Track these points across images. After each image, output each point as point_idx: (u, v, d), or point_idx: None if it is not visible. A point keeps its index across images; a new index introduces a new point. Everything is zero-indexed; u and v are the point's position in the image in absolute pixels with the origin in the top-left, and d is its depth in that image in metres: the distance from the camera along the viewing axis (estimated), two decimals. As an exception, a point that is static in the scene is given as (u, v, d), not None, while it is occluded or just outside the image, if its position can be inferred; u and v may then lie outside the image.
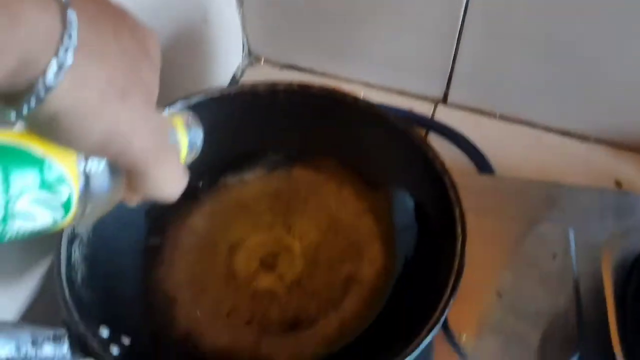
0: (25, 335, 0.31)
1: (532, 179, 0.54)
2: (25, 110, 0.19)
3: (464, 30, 0.59)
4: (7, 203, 0.20)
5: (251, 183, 0.47)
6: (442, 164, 0.41)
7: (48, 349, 0.32)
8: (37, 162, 0.21)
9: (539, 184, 0.52)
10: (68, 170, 0.22)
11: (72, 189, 0.22)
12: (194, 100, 0.45)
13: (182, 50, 0.56)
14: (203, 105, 0.45)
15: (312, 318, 0.40)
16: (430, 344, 0.34)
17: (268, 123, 0.46)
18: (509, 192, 0.52)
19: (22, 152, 0.21)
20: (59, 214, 0.22)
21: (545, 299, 0.44)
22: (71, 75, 0.18)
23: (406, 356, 0.32)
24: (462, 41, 0.60)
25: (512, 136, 0.67)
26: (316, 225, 0.45)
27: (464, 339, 0.42)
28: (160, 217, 0.45)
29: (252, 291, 0.42)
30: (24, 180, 0.21)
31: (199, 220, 0.45)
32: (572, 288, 0.44)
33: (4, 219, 0.20)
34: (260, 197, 0.47)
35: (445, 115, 0.69)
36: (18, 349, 0.30)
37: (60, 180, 0.22)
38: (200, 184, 0.46)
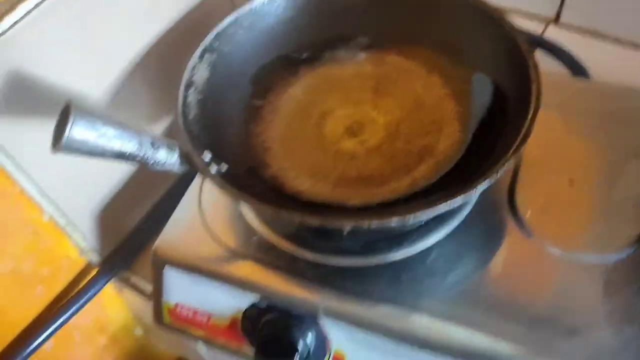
0: (147, 138, 0.38)
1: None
2: None
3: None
4: None
5: (347, 63, 0.52)
6: (527, 48, 0.43)
7: (162, 153, 0.39)
8: None
9: (637, 91, 0.51)
10: None
11: None
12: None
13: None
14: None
15: (386, 178, 0.44)
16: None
17: (366, 7, 0.50)
18: (603, 93, 0.52)
19: None
20: None
21: (619, 190, 0.44)
22: None
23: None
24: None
25: (624, 61, 0.65)
26: (401, 105, 0.49)
27: (528, 214, 0.44)
28: (264, 84, 0.51)
29: (335, 151, 0.47)
30: None
31: (296, 90, 0.51)
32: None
33: None
34: (353, 76, 0.51)
35: (555, 35, 0.69)
36: (140, 145, 0.38)
37: None
38: (303, 56, 0.51)
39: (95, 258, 0.56)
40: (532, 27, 0.69)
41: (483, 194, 0.45)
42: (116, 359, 0.66)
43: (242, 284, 0.45)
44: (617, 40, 0.66)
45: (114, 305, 0.63)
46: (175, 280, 0.47)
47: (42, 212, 0.49)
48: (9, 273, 0.49)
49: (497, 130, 0.42)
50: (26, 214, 0.48)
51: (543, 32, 0.69)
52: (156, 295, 0.49)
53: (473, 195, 0.36)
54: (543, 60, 0.66)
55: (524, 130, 0.38)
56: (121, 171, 0.54)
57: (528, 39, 0.62)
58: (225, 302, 0.46)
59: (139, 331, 0.70)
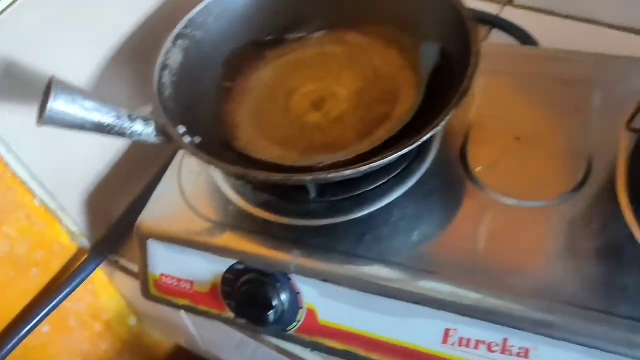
0: (125, 111, 0.42)
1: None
2: None
3: None
4: None
5: (309, 44, 0.56)
6: (468, 14, 0.47)
7: (139, 125, 0.43)
8: None
9: (580, 53, 0.55)
10: None
11: None
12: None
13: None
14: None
15: (348, 143, 0.48)
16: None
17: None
18: (548, 58, 0.56)
19: None
20: None
21: (562, 142, 0.48)
22: None
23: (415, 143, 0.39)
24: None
25: (575, 34, 0.70)
26: (362, 78, 0.53)
27: (479, 170, 0.48)
28: (234, 67, 0.55)
29: (301, 124, 0.51)
30: None
31: (264, 72, 0.55)
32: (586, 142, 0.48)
33: None
34: (316, 56, 0.55)
35: (510, 15, 0.73)
36: (118, 118, 0.42)
37: None
38: (269, 39, 0.55)
39: (85, 243, 0.59)
40: (490, 9, 0.74)
41: (438, 155, 0.50)
42: (111, 345, 0.69)
43: (220, 251, 0.48)
44: (568, 17, 0.71)
45: (106, 292, 0.66)
46: (158, 252, 0.51)
47: (33, 196, 0.52)
48: (6, 256, 0.53)
49: (446, 91, 0.46)
50: (19, 197, 0.51)
51: (499, 13, 0.74)
52: (142, 269, 0.52)
53: (416, 145, 0.40)
54: (499, 38, 0.70)
55: (463, 85, 0.42)
56: (109, 157, 0.58)
57: (479, 15, 0.67)
58: (206, 269, 0.49)
59: (133, 321, 0.73)
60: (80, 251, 0.59)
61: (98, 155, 0.57)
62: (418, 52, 0.51)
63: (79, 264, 0.59)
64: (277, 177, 0.41)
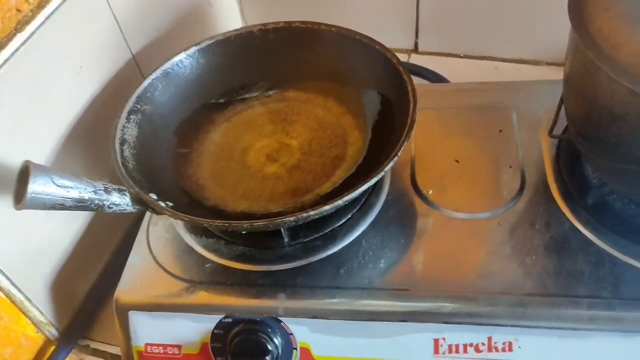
0: (99, 184, 0.44)
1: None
2: None
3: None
4: None
5: (255, 106, 0.60)
6: (399, 61, 0.53)
7: (115, 196, 0.44)
8: None
9: (488, 83, 0.64)
10: None
11: None
12: (204, 44, 0.59)
13: (190, 26, 0.70)
14: (212, 47, 0.59)
15: (311, 186, 0.52)
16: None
17: (263, 56, 0.59)
18: (461, 90, 0.64)
19: None
20: None
21: (496, 159, 0.55)
22: None
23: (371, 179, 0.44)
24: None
25: (475, 69, 0.79)
26: (308, 128, 0.57)
27: (430, 192, 0.53)
28: (186, 134, 0.57)
29: (261, 176, 0.54)
30: None
31: (216, 135, 0.58)
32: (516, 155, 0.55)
33: None
34: (263, 115, 0.59)
35: (418, 61, 0.82)
36: (95, 192, 0.43)
37: None
38: (217, 104, 0.59)
39: (53, 332, 0.57)
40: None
41: (392, 186, 0.55)
42: None
43: (205, 308, 0.49)
44: (466, 56, 0.81)
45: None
46: (141, 322, 0.51)
47: (-1, 289, 0.51)
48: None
49: (391, 128, 0.52)
50: (-17, 293, 0.50)
51: (407, 60, 0.82)
52: (124, 343, 0.52)
53: (379, 176, 0.45)
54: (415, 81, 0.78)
55: (410, 118, 0.48)
56: (68, 237, 0.57)
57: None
58: (192, 330, 0.50)
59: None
60: (48, 341, 0.57)
61: (57, 238, 0.56)
62: (355, 98, 0.57)
63: (48, 355, 0.56)
64: (259, 223, 0.44)
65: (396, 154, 0.45)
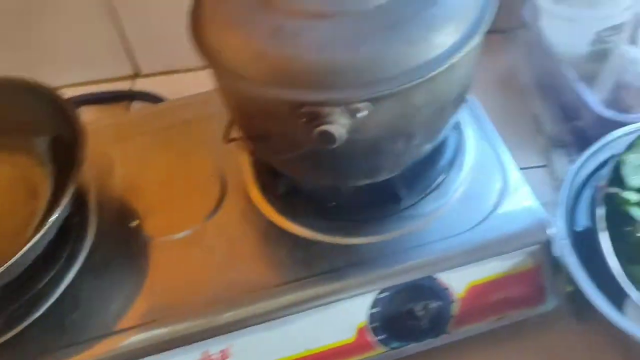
0: None
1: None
2: None
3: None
4: None
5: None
6: (72, 108, 0.51)
7: None
8: None
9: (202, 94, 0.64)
10: None
11: None
12: None
13: None
14: None
15: (4, 251, 0.49)
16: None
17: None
18: (175, 108, 0.65)
19: None
20: None
21: (197, 174, 0.56)
22: None
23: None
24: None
25: (197, 81, 0.79)
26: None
27: (134, 224, 0.53)
28: None
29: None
30: None
31: None
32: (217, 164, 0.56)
33: None
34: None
35: (144, 85, 0.81)
36: None
37: None
38: None
39: None
40: (123, 86, 0.81)
41: (99, 226, 0.53)
42: None
43: None
44: (189, 70, 0.81)
45: None
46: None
47: None
48: None
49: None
50: None
51: (132, 86, 0.81)
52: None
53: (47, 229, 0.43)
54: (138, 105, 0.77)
55: (77, 161, 0.46)
56: None
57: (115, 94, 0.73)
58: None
59: None
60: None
61: None
62: (37, 147, 0.54)
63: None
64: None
65: (59, 205, 0.44)
